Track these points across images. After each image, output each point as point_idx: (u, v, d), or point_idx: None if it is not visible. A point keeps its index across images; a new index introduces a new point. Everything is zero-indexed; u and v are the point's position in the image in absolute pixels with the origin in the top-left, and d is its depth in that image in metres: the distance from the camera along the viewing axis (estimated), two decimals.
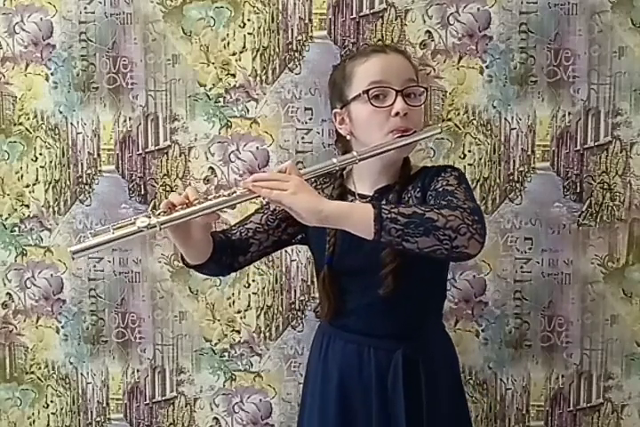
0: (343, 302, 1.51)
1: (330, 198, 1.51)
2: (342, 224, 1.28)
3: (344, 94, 1.48)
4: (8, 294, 2.11)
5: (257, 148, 1.99)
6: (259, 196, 1.31)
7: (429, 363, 1.47)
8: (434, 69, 1.92)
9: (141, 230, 1.28)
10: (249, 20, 1.96)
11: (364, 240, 1.27)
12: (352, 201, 1.51)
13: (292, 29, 1.95)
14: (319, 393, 1.56)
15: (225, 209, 1.34)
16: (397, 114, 1.41)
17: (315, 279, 1.99)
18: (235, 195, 1.32)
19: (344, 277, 1.51)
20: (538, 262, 1.96)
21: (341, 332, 1.53)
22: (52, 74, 2.02)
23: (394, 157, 1.47)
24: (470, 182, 1.92)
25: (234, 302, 2.04)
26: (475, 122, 1.94)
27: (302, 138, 1.97)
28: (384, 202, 1.47)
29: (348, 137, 1.50)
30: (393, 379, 1.45)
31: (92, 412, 2.12)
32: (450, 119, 1.94)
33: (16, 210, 2.08)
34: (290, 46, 1.96)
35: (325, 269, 1.51)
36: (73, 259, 1.28)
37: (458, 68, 1.92)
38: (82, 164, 2.05)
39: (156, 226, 1.28)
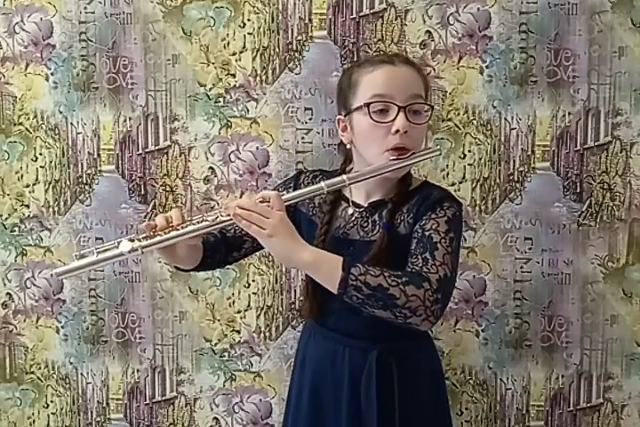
0: (325, 303, 1.51)
1: (323, 202, 1.51)
2: (311, 274, 1.33)
3: (348, 102, 1.44)
4: (8, 294, 2.11)
5: (257, 148, 1.99)
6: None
7: (404, 365, 1.47)
8: (434, 69, 1.92)
9: (123, 254, 1.31)
10: (249, 20, 1.96)
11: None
12: (346, 208, 1.50)
13: (292, 29, 1.95)
14: (297, 386, 1.58)
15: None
16: (397, 131, 1.37)
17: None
18: (217, 220, 1.34)
19: None
20: (538, 262, 1.96)
21: (321, 329, 1.54)
22: (52, 74, 2.02)
23: (395, 176, 1.44)
24: (470, 182, 1.93)
25: (234, 302, 2.04)
26: (475, 122, 1.94)
27: (302, 138, 1.97)
28: (376, 216, 1.45)
29: (349, 146, 1.48)
30: (366, 378, 1.45)
31: (91, 412, 2.12)
32: (450, 119, 1.94)
33: (16, 210, 2.08)
34: (290, 46, 1.96)
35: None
36: (58, 280, 1.31)
37: (458, 68, 1.92)
38: (82, 164, 2.05)
39: (137, 250, 1.31)
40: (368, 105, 1.38)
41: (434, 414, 1.53)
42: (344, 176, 1.37)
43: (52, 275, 1.34)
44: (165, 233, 1.33)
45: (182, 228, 1.33)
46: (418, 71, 1.45)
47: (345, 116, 1.46)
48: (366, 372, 1.45)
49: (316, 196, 1.39)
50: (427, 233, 1.36)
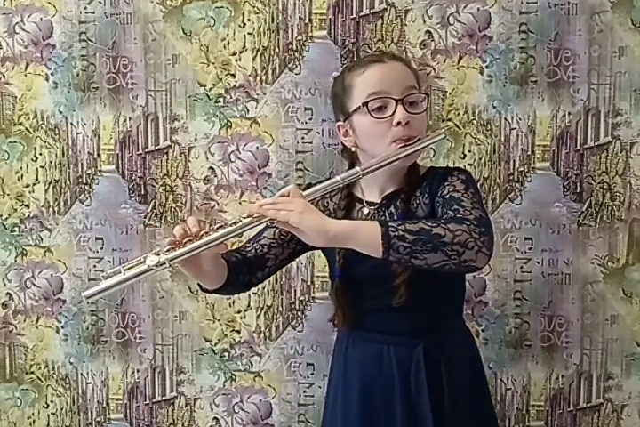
0: (359, 308, 1.50)
1: (337, 207, 1.52)
2: (350, 243, 1.28)
3: (345, 107, 1.46)
4: (8, 294, 2.11)
5: (257, 148, 1.99)
6: (264, 221, 1.30)
7: (450, 359, 1.47)
8: (434, 69, 1.92)
9: (151, 269, 1.27)
10: (249, 20, 1.96)
11: None
12: (360, 209, 1.51)
13: (292, 29, 1.95)
14: (341, 396, 1.54)
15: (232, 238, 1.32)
16: (399, 123, 1.40)
17: (315, 280, 2.00)
18: (240, 223, 1.30)
19: (357, 286, 1.49)
20: (538, 262, 1.96)
21: (360, 332, 1.52)
22: (52, 74, 2.02)
23: (402, 164, 1.44)
24: None
25: (234, 302, 2.04)
26: (475, 122, 1.94)
27: (302, 138, 1.97)
28: (392, 209, 1.47)
29: (354, 149, 1.48)
30: (415, 376, 1.45)
31: (91, 412, 2.12)
32: (450, 119, 1.94)
33: (16, 210, 2.08)
34: (290, 46, 1.96)
35: (337, 282, 1.52)
36: (88, 303, 1.27)
37: (458, 68, 1.92)
38: (82, 164, 2.05)
39: (165, 263, 1.27)
40: (366, 104, 1.40)
41: (478, 400, 1.54)
42: (357, 168, 1.38)
43: (82, 297, 1.31)
44: (189, 243, 1.29)
45: (207, 234, 1.30)
46: (407, 65, 1.49)
47: (344, 120, 1.47)
48: (414, 367, 1.45)
49: (333, 190, 1.38)
50: (447, 196, 1.38)
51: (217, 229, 1.30)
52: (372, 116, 1.40)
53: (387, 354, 1.48)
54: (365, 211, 1.50)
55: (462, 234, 1.24)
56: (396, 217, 1.45)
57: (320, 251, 1.63)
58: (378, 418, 1.49)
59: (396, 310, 1.44)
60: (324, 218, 1.28)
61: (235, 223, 1.30)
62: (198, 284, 1.46)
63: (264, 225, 1.36)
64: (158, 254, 1.28)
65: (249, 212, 1.31)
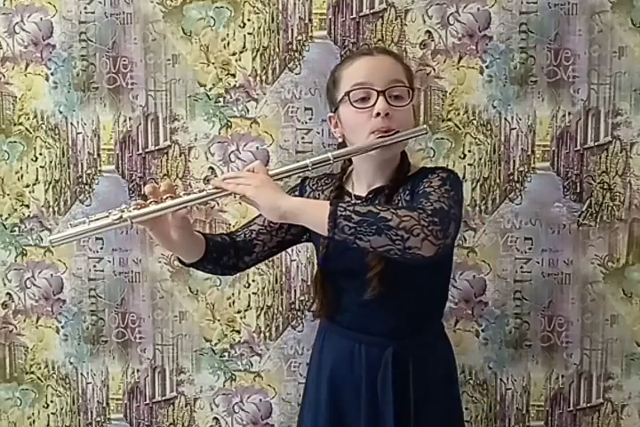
0: (338, 300, 1.53)
1: (327, 199, 1.52)
2: (299, 220, 1.31)
3: (334, 98, 1.49)
4: (8, 294, 2.11)
5: (257, 148, 1.99)
6: (226, 194, 1.36)
7: (420, 362, 1.48)
8: (434, 69, 1.92)
9: (114, 223, 1.34)
10: (249, 20, 1.96)
11: None
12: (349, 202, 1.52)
13: (292, 29, 1.95)
14: (315, 386, 1.59)
15: (196, 205, 1.40)
16: (378, 114, 1.40)
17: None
18: (204, 192, 1.37)
19: (338, 277, 1.52)
20: (538, 262, 1.96)
21: (337, 327, 1.55)
22: (52, 74, 2.02)
23: (383, 157, 1.45)
24: (470, 182, 1.93)
25: (234, 302, 2.04)
26: (475, 122, 1.94)
27: (302, 138, 1.97)
28: (376, 203, 1.47)
29: (341, 140, 1.52)
30: (383, 375, 1.47)
31: (91, 412, 2.12)
32: (450, 119, 1.94)
33: (16, 210, 2.08)
34: (290, 46, 1.96)
35: (318, 271, 1.56)
36: (52, 246, 1.33)
37: (458, 68, 1.92)
38: (82, 164, 2.05)
39: (127, 220, 1.34)
40: (348, 93, 1.43)
41: (447, 412, 1.54)
42: (329, 153, 1.41)
43: (48, 241, 1.40)
44: (154, 205, 1.36)
45: (169, 200, 1.36)
46: (397, 59, 1.49)
47: (334, 112, 1.51)
48: (382, 369, 1.47)
49: (300, 172, 1.42)
50: (420, 191, 1.39)
51: (182, 195, 1.37)
52: (353, 106, 1.42)
53: (357, 353, 1.50)
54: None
55: (410, 220, 1.23)
56: None
57: (308, 247, 1.65)
58: (346, 417, 1.51)
59: (371, 305, 1.46)
60: (278, 194, 1.32)
61: (199, 191, 1.37)
62: (177, 257, 1.51)
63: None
64: (123, 211, 1.35)
65: (211, 184, 1.37)
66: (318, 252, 1.56)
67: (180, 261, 1.52)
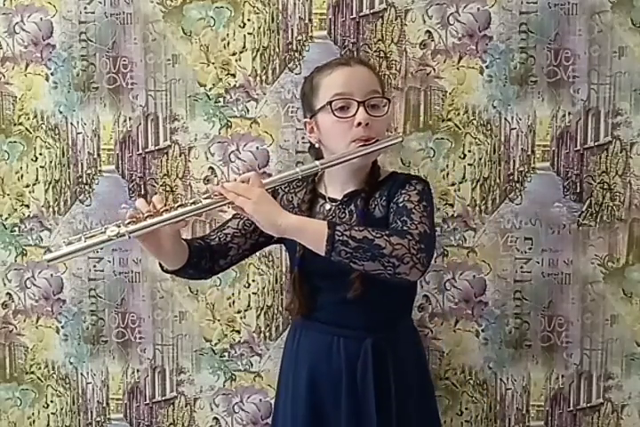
0: (314, 299, 1.57)
1: (302, 202, 1.59)
2: (298, 238, 1.38)
3: (312, 105, 1.54)
4: (8, 294, 2.11)
5: (257, 148, 1.99)
6: (223, 204, 1.37)
7: (398, 355, 1.53)
8: (434, 69, 1.92)
9: (111, 239, 1.34)
10: (249, 20, 1.96)
11: None
12: (323, 204, 1.58)
13: (292, 29, 1.95)
14: (292, 385, 1.60)
15: (191, 218, 1.39)
16: (359, 124, 1.47)
17: None
18: (200, 204, 1.37)
19: (315, 277, 1.56)
20: (538, 262, 1.96)
21: (313, 323, 1.58)
22: (52, 74, 2.02)
23: (360, 163, 1.52)
24: (470, 182, 1.93)
25: (234, 302, 2.04)
26: (475, 122, 1.94)
27: (302, 138, 1.97)
28: (352, 207, 1.54)
29: (317, 145, 1.56)
30: (362, 368, 1.51)
31: (91, 412, 2.12)
32: (450, 119, 1.94)
33: (16, 210, 2.08)
34: (290, 46, 1.96)
35: (296, 271, 1.58)
36: (48, 266, 1.31)
37: (458, 68, 1.92)
38: (82, 164, 2.05)
39: (125, 235, 1.34)
40: (330, 103, 1.48)
41: (423, 398, 1.61)
42: (317, 162, 1.46)
43: (44, 260, 1.39)
44: (150, 218, 1.35)
45: (167, 212, 1.36)
46: (372, 69, 1.57)
47: (310, 118, 1.55)
48: (362, 360, 1.51)
49: (291, 180, 1.46)
50: (401, 204, 1.46)
51: (177, 207, 1.37)
52: (334, 115, 1.48)
53: (336, 346, 1.54)
54: (327, 207, 1.57)
55: (401, 248, 1.32)
56: (355, 214, 1.53)
57: (284, 246, 1.67)
58: (325, 412, 1.54)
59: (350, 303, 1.51)
60: (275, 211, 1.36)
61: (194, 203, 1.38)
62: (159, 263, 1.52)
63: (227, 210, 1.41)
64: (119, 226, 1.34)
65: (211, 191, 1.39)
66: (292, 253, 1.60)
67: (163, 269, 1.53)
